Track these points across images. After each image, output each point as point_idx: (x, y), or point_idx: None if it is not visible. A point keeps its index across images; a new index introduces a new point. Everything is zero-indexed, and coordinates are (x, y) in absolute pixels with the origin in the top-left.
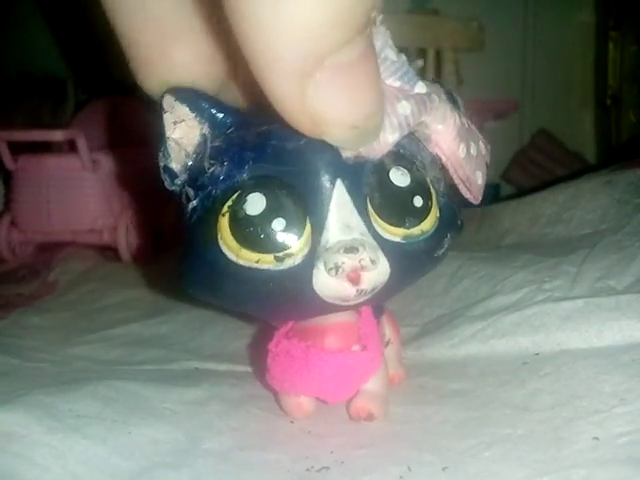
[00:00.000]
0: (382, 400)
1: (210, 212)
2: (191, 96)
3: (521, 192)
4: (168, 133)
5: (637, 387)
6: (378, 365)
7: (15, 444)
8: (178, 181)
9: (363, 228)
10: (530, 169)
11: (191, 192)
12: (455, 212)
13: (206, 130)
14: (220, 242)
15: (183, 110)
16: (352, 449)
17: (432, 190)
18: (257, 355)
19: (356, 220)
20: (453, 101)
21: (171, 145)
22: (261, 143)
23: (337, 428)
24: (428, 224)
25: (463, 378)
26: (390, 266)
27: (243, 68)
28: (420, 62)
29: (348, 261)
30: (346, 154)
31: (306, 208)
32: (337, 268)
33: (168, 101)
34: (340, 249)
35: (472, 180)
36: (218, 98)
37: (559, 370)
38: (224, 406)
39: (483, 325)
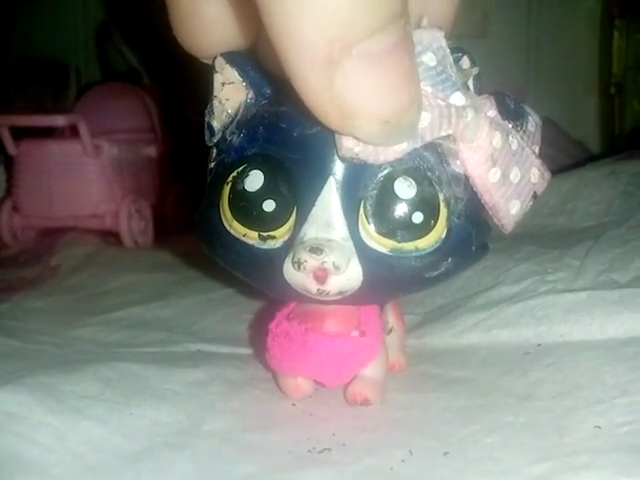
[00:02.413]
0: (379, 386)
1: (219, 178)
2: (241, 61)
3: None
4: (215, 92)
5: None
6: (376, 352)
7: (17, 424)
8: (214, 139)
9: (345, 231)
10: None
11: (214, 153)
12: (470, 237)
13: (250, 96)
14: (220, 209)
15: (232, 73)
16: (354, 432)
17: (442, 209)
18: (258, 337)
19: (339, 221)
20: (515, 119)
21: (216, 104)
22: (274, 123)
23: (339, 411)
24: (425, 242)
25: (465, 367)
26: (366, 275)
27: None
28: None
29: (310, 260)
30: (342, 153)
31: (296, 197)
32: (299, 264)
33: (219, 62)
34: (307, 247)
35: (500, 208)
36: (263, 68)
37: (561, 361)
38: (226, 388)
39: (485, 315)
